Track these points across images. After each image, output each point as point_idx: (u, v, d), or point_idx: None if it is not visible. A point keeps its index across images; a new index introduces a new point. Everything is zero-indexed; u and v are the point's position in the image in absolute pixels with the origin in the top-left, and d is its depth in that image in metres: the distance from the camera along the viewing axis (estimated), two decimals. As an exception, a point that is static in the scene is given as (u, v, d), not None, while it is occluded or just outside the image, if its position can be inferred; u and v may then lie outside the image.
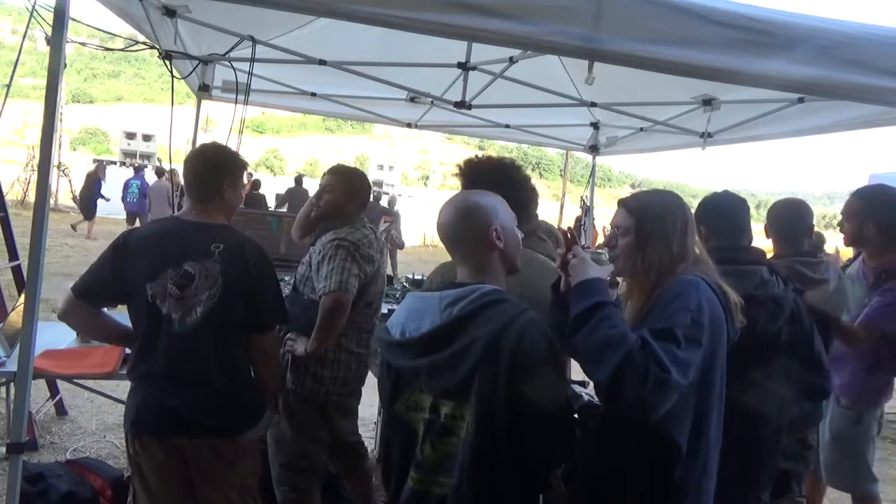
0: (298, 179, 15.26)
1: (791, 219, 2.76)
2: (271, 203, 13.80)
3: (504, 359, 1.40)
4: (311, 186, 10.72)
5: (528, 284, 1.80)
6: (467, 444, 1.43)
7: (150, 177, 15.28)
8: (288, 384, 2.61)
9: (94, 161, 16.94)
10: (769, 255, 2.75)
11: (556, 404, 1.46)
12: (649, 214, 1.70)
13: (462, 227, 1.59)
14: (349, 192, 2.70)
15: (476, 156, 2.24)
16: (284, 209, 12.36)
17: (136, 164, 19.06)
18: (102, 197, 14.87)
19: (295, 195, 13.64)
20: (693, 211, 2.48)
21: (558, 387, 1.48)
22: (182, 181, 2.31)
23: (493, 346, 1.41)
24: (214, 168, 2.26)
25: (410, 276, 4.90)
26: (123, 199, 14.43)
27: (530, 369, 1.40)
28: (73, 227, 14.36)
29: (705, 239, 2.39)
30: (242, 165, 2.37)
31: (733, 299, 1.68)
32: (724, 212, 2.39)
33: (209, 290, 2.13)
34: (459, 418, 1.46)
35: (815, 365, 2.31)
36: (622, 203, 1.78)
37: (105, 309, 2.38)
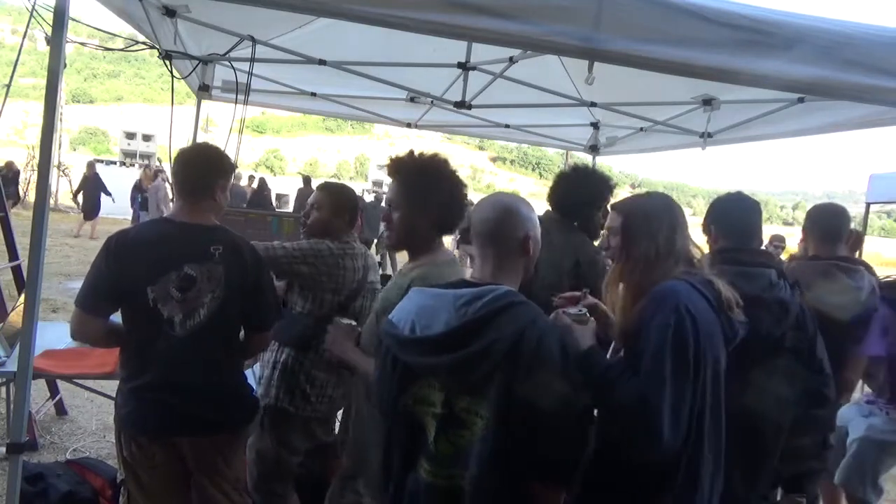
0: (307, 180, 15.27)
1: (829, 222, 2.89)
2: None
3: (524, 360, 1.43)
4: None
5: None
6: (486, 439, 1.47)
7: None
8: (270, 399, 2.60)
9: (95, 161, 16.86)
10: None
11: (571, 409, 1.48)
12: (636, 213, 1.79)
13: (501, 228, 1.61)
14: (336, 209, 2.72)
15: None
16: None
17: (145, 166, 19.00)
18: (108, 194, 14.80)
19: (304, 196, 13.66)
20: (706, 211, 2.50)
21: (575, 391, 1.49)
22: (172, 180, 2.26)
23: (514, 348, 1.45)
24: (210, 168, 2.23)
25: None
26: (133, 201, 14.33)
27: (547, 373, 1.44)
28: (76, 235, 14.29)
29: (714, 239, 2.40)
30: (233, 168, 2.37)
31: (727, 297, 1.69)
32: (734, 213, 2.40)
33: (212, 291, 2.13)
34: (474, 414, 1.50)
35: (816, 371, 2.31)
36: (613, 206, 1.90)
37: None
